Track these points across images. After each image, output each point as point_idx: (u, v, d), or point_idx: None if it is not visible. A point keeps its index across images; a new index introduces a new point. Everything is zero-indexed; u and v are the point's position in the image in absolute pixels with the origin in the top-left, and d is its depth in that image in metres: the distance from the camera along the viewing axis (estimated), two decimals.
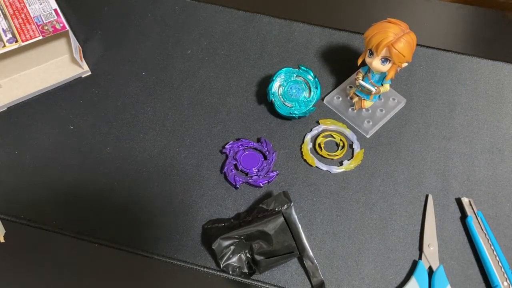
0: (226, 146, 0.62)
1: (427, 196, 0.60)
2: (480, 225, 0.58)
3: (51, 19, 0.61)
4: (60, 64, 0.68)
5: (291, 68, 0.65)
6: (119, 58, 0.70)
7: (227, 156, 0.62)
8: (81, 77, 0.68)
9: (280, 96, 0.64)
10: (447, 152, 0.64)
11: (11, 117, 0.64)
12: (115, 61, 0.70)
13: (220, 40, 0.73)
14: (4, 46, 0.59)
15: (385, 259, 0.57)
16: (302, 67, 0.65)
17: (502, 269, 0.55)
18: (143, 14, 0.75)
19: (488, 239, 0.56)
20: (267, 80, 0.68)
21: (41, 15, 0.61)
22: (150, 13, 0.75)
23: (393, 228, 0.58)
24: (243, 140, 0.63)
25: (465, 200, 0.60)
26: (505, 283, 0.54)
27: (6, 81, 0.66)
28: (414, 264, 0.56)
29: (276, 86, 0.64)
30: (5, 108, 0.65)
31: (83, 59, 0.68)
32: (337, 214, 0.59)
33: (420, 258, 0.57)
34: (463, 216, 0.59)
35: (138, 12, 0.75)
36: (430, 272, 0.55)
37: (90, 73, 0.68)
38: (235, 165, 0.61)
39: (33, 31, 0.60)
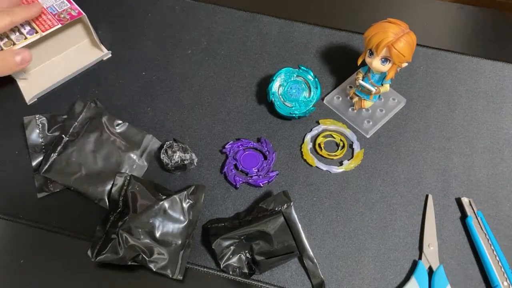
0: (226, 146, 0.62)
1: (427, 196, 0.60)
2: (480, 225, 0.58)
3: (65, 7, 0.63)
4: (80, 50, 0.70)
5: (291, 68, 0.65)
6: (119, 58, 0.70)
7: (227, 156, 0.62)
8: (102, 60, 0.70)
9: (280, 96, 0.64)
10: (447, 152, 0.64)
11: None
12: (115, 61, 0.70)
13: (220, 40, 0.73)
14: (26, 38, 0.60)
15: (385, 259, 0.57)
16: (302, 67, 0.65)
17: (502, 269, 0.55)
18: (143, 14, 0.75)
19: (488, 239, 0.56)
20: (267, 80, 0.68)
21: (54, 5, 0.63)
22: (150, 13, 0.75)
23: (393, 228, 0.59)
24: (243, 140, 0.63)
25: (465, 200, 0.60)
26: (505, 283, 0.54)
27: (31, 73, 0.67)
28: (414, 264, 0.56)
29: (276, 86, 0.64)
30: (36, 100, 0.66)
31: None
32: (337, 214, 0.59)
33: (420, 258, 0.57)
34: (463, 216, 0.59)
35: (138, 12, 0.75)
36: (430, 272, 0.56)
37: (110, 55, 0.70)
38: (235, 165, 0.61)
39: (50, 20, 0.61)
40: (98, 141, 0.61)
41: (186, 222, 0.56)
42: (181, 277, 0.53)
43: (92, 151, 0.60)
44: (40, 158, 0.60)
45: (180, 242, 0.55)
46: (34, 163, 0.60)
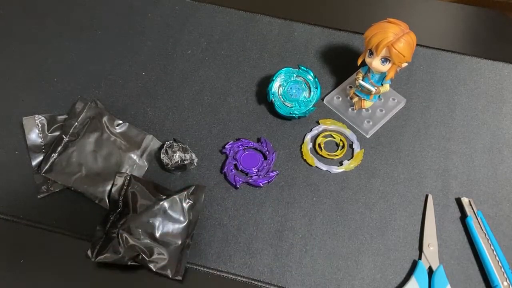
0: (226, 146, 0.62)
1: (427, 196, 0.60)
2: (480, 225, 0.58)
3: None
4: None
5: (291, 68, 0.65)
6: (119, 58, 0.70)
7: (227, 156, 0.62)
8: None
9: (280, 96, 0.64)
10: (447, 152, 0.64)
11: None
12: (115, 61, 0.70)
13: (220, 40, 0.73)
14: None
15: (385, 259, 0.57)
16: (302, 67, 0.65)
17: (502, 269, 0.55)
18: (143, 14, 0.75)
19: (488, 239, 0.56)
20: (267, 80, 0.68)
21: None
22: (150, 13, 0.75)
23: (393, 228, 0.58)
24: (243, 140, 0.63)
25: (465, 200, 0.60)
26: (505, 283, 0.54)
27: None
28: (414, 264, 0.56)
29: (276, 86, 0.64)
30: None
31: None
32: (337, 214, 0.59)
33: (420, 258, 0.57)
34: (463, 216, 0.59)
35: (138, 12, 0.75)
36: (430, 272, 0.55)
37: None
38: (235, 165, 0.61)
39: None
40: (99, 141, 0.61)
41: (186, 222, 0.56)
42: (180, 277, 0.53)
43: (93, 151, 0.60)
44: (40, 158, 0.60)
45: (180, 242, 0.55)
46: (34, 163, 0.60)
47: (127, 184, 0.57)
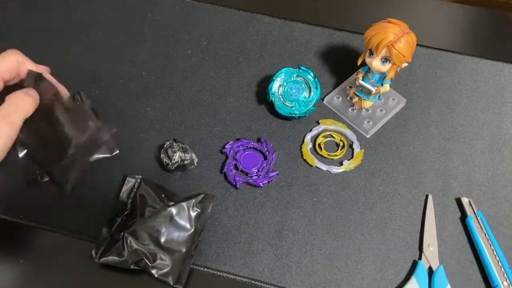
0: (226, 146, 0.62)
1: (427, 196, 0.60)
2: (480, 225, 0.58)
3: None
4: None
5: (291, 68, 0.65)
6: (119, 58, 0.70)
7: (227, 156, 0.62)
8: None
9: (280, 96, 0.64)
10: (447, 152, 0.64)
11: None
12: (115, 61, 0.70)
13: (220, 40, 0.73)
14: None
15: (385, 259, 0.57)
16: (302, 67, 0.65)
17: (502, 269, 0.55)
18: (143, 14, 0.75)
19: (488, 239, 0.57)
20: (267, 80, 0.68)
21: None
22: (150, 13, 0.75)
23: (393, 228, 0.59)
24: (243, 140, 0.63)
25: (465, 200, 0.60)
26: (505, 283, 0.54)
27: None
28: (414, 264, 0.56)
29: (276, 86, 0.64)
30: None
31: None
32: (337, 214, 0.59)
33: (420, 258, 0.57)
34: (463, 216, 0.59)
35: (138, 12, 0.75)
36: (430, 272, 0.56)
37: None
38: (235, 165, 0.61)
39: None
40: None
41: (192, 231, 0.55)
42: (181, 287, 0.53)
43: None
44: None
45: (184, 250, 0.55)
46: None
47: (137, 187, 0.57)
